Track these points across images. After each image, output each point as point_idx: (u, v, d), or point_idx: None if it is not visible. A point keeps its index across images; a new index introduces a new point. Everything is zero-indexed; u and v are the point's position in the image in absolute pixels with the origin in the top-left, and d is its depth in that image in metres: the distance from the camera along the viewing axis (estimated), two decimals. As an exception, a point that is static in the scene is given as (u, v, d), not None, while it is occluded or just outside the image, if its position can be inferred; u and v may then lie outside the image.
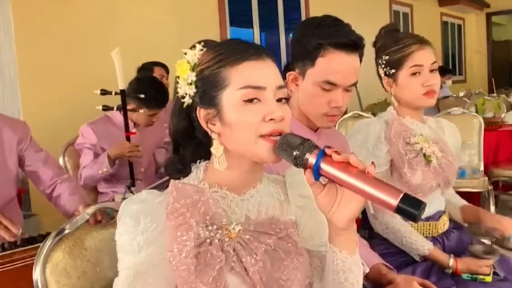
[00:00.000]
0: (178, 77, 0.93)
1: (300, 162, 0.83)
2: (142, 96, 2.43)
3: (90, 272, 1.08)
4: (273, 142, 0.87)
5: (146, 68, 3.42)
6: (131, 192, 2.19)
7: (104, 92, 2.32)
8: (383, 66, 1.68)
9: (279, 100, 0.91)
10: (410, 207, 0.75)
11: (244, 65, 0.89)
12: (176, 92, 0.94)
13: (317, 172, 0.82)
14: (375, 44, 1.73)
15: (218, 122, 0.90)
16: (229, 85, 0.89)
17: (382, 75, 1.70)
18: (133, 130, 2.49)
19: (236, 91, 0.88)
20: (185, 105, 0.93)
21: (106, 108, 2.38)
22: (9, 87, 3.05)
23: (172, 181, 0.92)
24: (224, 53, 0.91)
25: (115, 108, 2.41)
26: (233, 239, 0.88)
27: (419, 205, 0.75)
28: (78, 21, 3.37)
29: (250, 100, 0.88)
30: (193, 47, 0.94)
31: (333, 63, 1.32)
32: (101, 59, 3.14)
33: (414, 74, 1.63)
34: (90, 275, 1.07)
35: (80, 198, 2.02)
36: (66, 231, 1.09)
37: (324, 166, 0.82)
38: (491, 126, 4.07)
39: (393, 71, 1.66)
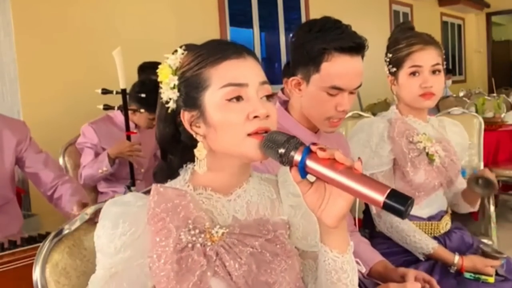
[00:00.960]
0: (161, 82, 0.92)
1: (286, 160, 0.82)
2: (143, 96, 2.43)
3: (90, 272, 1.07)
4: (261, 138, 0.86)
5: (148, 67, 3.38)
6: (131, 192, 2.19)
7: (105, 91, 2.32)
8: (387, 64, 1.69)
9: (262, 97, 0.89)
10: (397, 203, 0.73)
11: (225, 64, 0.88)
12: (160, 97, 0.93)
13: (303, 170, 0.81)
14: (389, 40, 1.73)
15: (202, 124, 0.89)
16: (210, 85, 0.88)
17: (387, 73, 1.70)
18: (134, 131, 2.49)
19: (217, 90, 0.87)
20: (169, 111, 0.92)
21: (107, 107, 2.38)
22: (9, 87, 3.04)
23: (154, 185, 0.90)
24: (204, 54, 0.90)
25: (116, 108, 2.41)
26: (215, 243, 0.87)
27: (406, 200, 0.73)
28: (78, 21, 3.37)
29: (233, 99, 0.87)
30: (175, 51, 0.93)
31: (339, 68, 1.31)
32: (101, 59, 3.14)
33: (412, 74, 1.62)
34: (90, 275, 1.07)
35: (81, 199, 2.02)
36: (66, 231, 1.08)
37: (310, 163, 0.80)
38: (491, 126, 4.07)
39: (394, 69, 1.67)
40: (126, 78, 2.35)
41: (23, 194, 2.90)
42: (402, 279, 1.37)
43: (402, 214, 0.73)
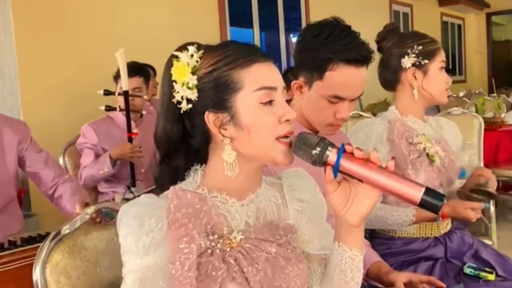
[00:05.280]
0: (174, 81, 0.88)
1: (319, 160, 0.84)
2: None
3: (90, 273, 1.07)
4: (287, 145, 0.88)
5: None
6: (131, 192, 2.19)
7: (108, 93, 2.32)
8: (414, 55, 1.63)
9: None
10: (434, 199, 0.78)
11: (256, 66, 0.88)
12: (171, 97, 0.89)
13: (337, 169, 0.84)
14: (379, 41, 1.70)
15: (232, 126, 0.87)
16: (243, 87, 0.87)
17: (408, 66, 1.64)
18: (135, 131, 2.49)
19: (251, 93, 0.86)
20: (182, 111, 0.89)
21: (109, 108, 2.38)
22: (9, 87, 3.04)
23: (172, 187, 0.88)
24: (232, 55, 0.88)
25: (118, 109, 2.41)
26: (234, 249, 0.86)
27: (441, 197, 0.78)
28: (79, 21, 3.37)
29: (267, 102, 0.87)
30: (184, 49, 0.89)
31: (343, 78, 1.30)
32: (101, 59, 3.14)
33: (442, 68, 1.66)
34: (90, 276, 1.07)
35: (81, 199, 2.02)
36: (66, 231, 1.08)
37: (345, 163, 0.83)
38: (491, 126, 4.07)
39: (425, 61, 1.63)
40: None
41: (23, 194, 2.90)
42: (391, 285, 1.36)
43: (437, 210, 0.78)
